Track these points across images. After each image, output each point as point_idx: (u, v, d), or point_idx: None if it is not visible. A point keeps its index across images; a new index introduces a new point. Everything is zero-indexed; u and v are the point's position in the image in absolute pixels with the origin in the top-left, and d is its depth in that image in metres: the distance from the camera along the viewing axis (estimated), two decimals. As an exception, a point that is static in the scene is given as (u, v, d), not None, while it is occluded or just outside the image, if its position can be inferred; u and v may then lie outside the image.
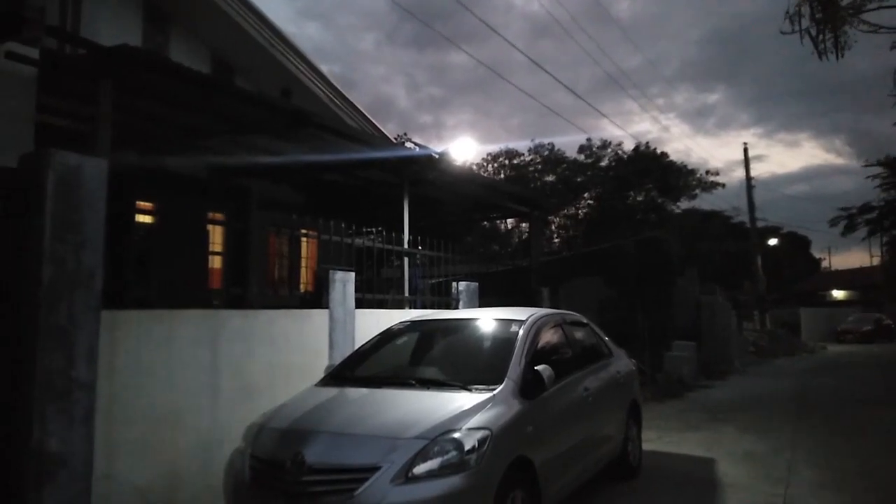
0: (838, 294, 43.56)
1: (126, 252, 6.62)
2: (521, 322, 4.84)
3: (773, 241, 35.71)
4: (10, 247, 3.73)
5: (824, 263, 52.14)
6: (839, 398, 11.68)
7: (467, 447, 3.43)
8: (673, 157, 33.14)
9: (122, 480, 4.08)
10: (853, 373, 16.73)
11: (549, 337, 5.06)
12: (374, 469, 3.31)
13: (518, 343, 4.52)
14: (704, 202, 33.57)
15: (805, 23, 5.83)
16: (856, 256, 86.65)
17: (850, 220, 15.50)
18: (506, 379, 4.11)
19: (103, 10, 7.72)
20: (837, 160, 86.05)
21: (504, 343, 4.61)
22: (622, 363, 6.27)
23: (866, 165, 15.14)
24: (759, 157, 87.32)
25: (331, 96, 10.59)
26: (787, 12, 5.90)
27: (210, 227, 8.39)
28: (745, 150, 31.05)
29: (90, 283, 3.85)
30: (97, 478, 3.74)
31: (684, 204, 33.54)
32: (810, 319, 32.72)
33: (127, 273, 6.56)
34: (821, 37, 5.80)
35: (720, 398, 11.73)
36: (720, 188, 33.22)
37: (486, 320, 5.20)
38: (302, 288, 9.54)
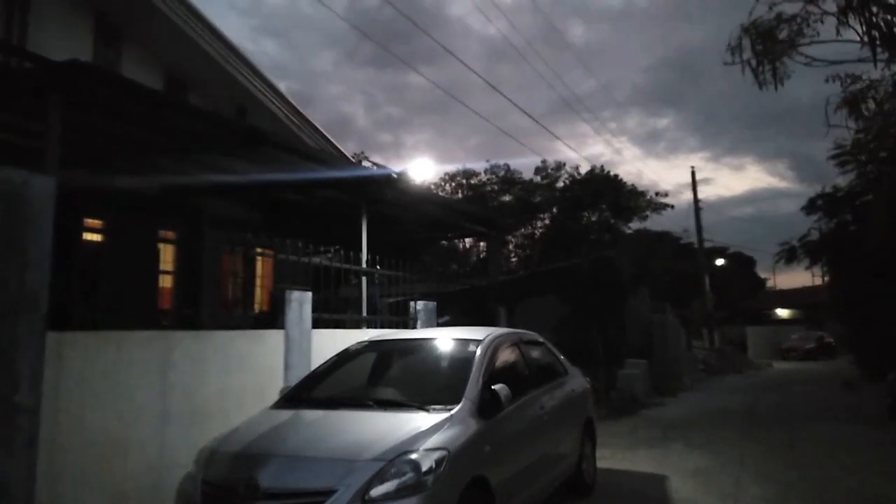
0: (782, 312, 45.22)
1: (73, 271, 6.40)
2: (478, 342, 4.87)
3: (720, 262, 36.93)
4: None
5: (769, 283, 54.12)
6: (783, 414, 12.10)
7: (424, 468, 3.43)
8: (625, 178, 34.04)
9: (65, 510, 3.91)
10: (796, 389, 17.36)
11: (506, 356, 5.11)
12: (329, 492, 3.27)
13: (475, 363, 4.55)
14: (655, 223, 34.56)
15: (746, 54, 6.19)
16: (799, 276, 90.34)
17: (791, 253, 16.32)
18: (463, 399, 4.13)
19: (51, 24, 7.53)
20: (781, 184, 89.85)
21: (461, 363, 4.63)
22: (577, 381, 6.37)
23: (805, 207, 15.99)
24: (706, 181, 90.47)
25: (288, 114, 10.53)
26: (729, 44, 6.24)
27: (161, 245, 8.18)
28: (693, 174, 32.23)
29: (35, 305, 3.73)
30: (39, 507, 3.59)
31: (636, 224, 34.45)
32: (756, 337, 33.85)
33: (74, 293, 6.33)
34: (760, 68, 6.15)
35: (672, 415, 11.99)
36: (669, 209, 34.29)
37: (444, 340, 5.22)
38: (257, 308, 9.38)
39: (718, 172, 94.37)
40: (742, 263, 45.37)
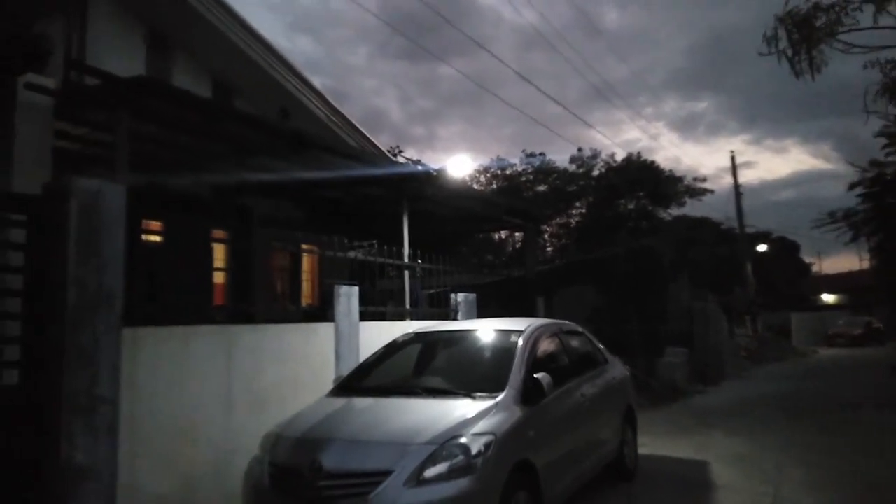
0: (828, 298, 44.06)
1: (136, 271, 6.79)
2: (519, 332, 5.07)
3: (762, 247, 36.14)
4: (34, 272, 3.91)
5: (814, 268, 52.68)
6: (828, 401, 11.96)
7: (474, 451, 3.66)
8: (664, 164, 33.58)
9: (145, 490, 4.27)
10: (843, 376, 17.04)
11: (546, 346, 5.30)
12: (387, 473, 3.53)
13: (518, 352, 4.75)
14: (694, 209, 34.02)
15: (782, 44, 6.17)
16: (846, 260, 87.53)
17: (831, 217, 15.85)
18: (507, 387, 4.34)
19: (108, 39, 7.95)
20: (825, 165, 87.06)
21: (504, 352, 4.84)
22: (617, 370, 6.52)
23: (852, 184, 15.46)
24: (747, 164, 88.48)
25: (328, 114, 10.83)
26: (765, 35, 6.23)
27: (214, 244, 8.57)
28: (733, 158, 31.58)
29: (111, 304, 4.06)
30: (121, 488, 3.94)
31: (674, 211, 33.96)
32: (801, 324, 33.10)
33: (136, 291, 6.74)
34: (797, 57, 6.13)
35: (713, 403, 11.99)
36: (709, 194, 33.69)
37: (486, 331, 5.43)
38: (305, 302, 9.74)
39: (760, 155, 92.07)
40: (786, 248, 44.28)
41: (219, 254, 8.79)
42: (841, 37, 6.47)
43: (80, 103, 5.31)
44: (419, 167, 8.31)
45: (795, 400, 12.28)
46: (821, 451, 7.37)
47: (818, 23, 6.15)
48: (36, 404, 3.78)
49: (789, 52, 6.14)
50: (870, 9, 5.94)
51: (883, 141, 10.57)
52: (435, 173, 8.34)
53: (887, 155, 12.61)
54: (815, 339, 31.64)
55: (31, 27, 7.90)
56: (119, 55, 7.97)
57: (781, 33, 6.12)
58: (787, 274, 42.49)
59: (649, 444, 7.79)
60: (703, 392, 13.74)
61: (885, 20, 5.88)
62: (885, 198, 14.42)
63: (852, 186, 15.15)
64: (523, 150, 35.48)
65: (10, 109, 4.84)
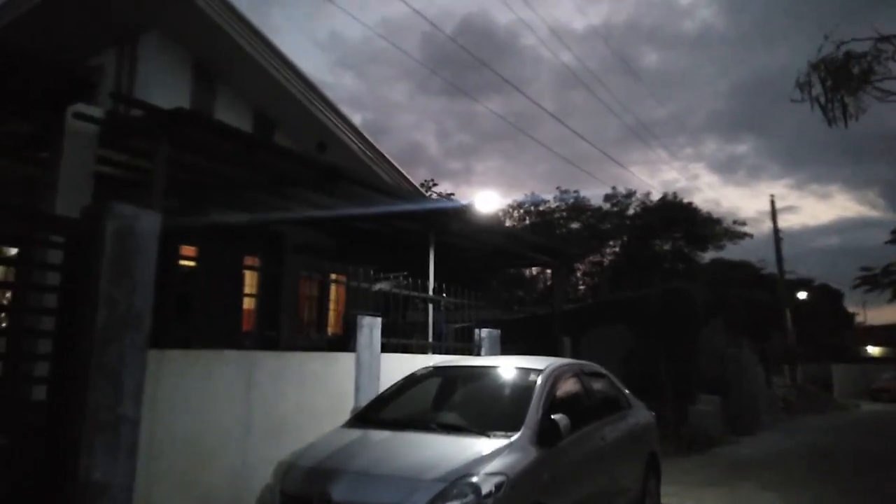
0: (873, 350, 42.33)
1: (168, 294, 7.01)
2: (539, 371, 5.02)
3: (802, 295, 35.09)
4: (68, 291, 4.07)
5: (859, 318, 50.75)
6: (867, 458, 11.41)
7: (484, 491, 3.61)
8: (703, 206, 33.19)
9: (159, 511, 4.32)
10: (884, 432, 16.27)
11: (566, 386, 5.22)
12: (395, 509, 3.50)
13: (536, 392, 4.69)
14: (732, 253, 33.42)
15: (816, 90, 6.13)
16: (893, 311, 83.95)
17: (872, 280, 15.38)
18: (523, 427, 4.28)
19: (156, 70, 8.36)
20: (871, 213, 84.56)
21: (522, 391, 4.79)
22: (641, 415, 6.36)
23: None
24: (789, 209, 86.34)
25: (364, 148, 11.09)
26: (797, 81, 6.20)
27: (246, 271, 8.80)
28: (773, 202, 30.88)
29: (139, 325, 4.18)
30: (136, 507, 3.99)
31: (712, 254, 33.41)
32: (843, 375, 31.81)
33: (168, 314, 6.93)
34: (829, 105, 6.06)
35: (746, 454, 11.55)
36: (748, 238, 33.10)
37: (506, 368, 5.39)
38: (330, 331, 9.84)
39: (803, 200, 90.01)
40: (828, 297, 42.89)
41: (250, 280, 9.01)
42: (880, 84, 6.39)
43: (124, 133, 5.57)
44: (446, 202, 8.38)
45: (832, 456, 11.75)
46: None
47: (854, 70, 6.10)
48: (60, 420, 3.88)
49: (822, 99, 6.10)
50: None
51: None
52: (462, 208, 8.42)
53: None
54: (858, 392, 30.35)
55: (86, 60, 8.38)
56: (166, 87, 8.37)
57: (815, 80, 6.09)
58: (829, 323, 41.06)
59: (675, 495, 7.53)
60: (736, 442, 13.26)
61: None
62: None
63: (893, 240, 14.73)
64: (557, 187, 35.61)
65: (59, 137, 5.12)
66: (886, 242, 15.20)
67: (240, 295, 8.33)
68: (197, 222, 7.15)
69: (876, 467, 10.26)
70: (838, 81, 6.03)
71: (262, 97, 10.04)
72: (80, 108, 5.23)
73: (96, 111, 5.35)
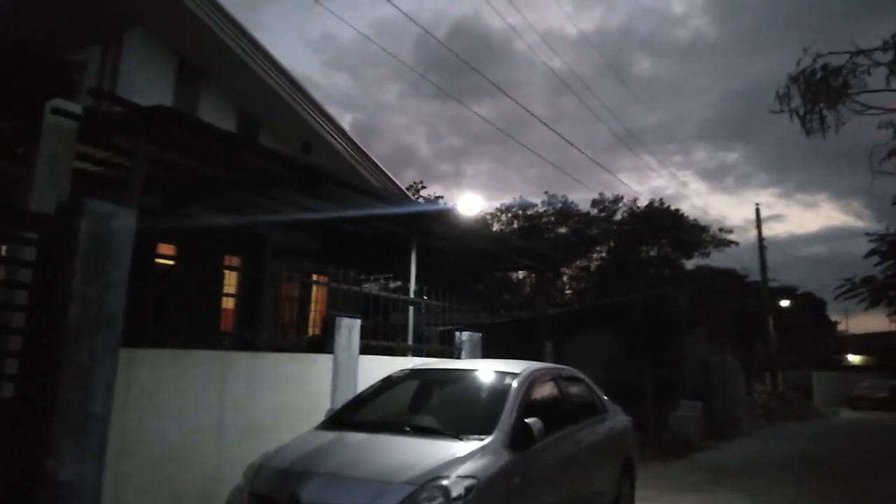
0: (854, 358, 42.79)
1: (144, 292, 6.95)
2: (515, 375, 5.03)
3: (785, 303, 35.43)
4: (40, 289, 4.03)
5: (841, 327, 51.34)
6: (844, 465, 11.54)
7: (454, 494, 3.61)
8: (692, 214, 33.50)
9: (128, 512, 4.28)
10: (862, 440, 16.46)
11: (542, 391, 5.24)
12: (364, 511, 3.50)
13: (511, 395, 4.71)
14: (718, 260, 33.67)
15: (795, 102, 6.22)
16: (874, 320, 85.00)
17: (852, 290, 15.60)
18: (496, 430, 4.30)
19: (140, 67, 8.31)
20: (856, 222, 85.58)
21: (497, 395, 4.80)
22: (617, 419, 6.39)
23: (868, 238, 15.34)
24: (776, 217, 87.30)
25: (349, 150, 11.08)
26: (777, 93, 6.28)
27: (226, 271, 8.75)
28: (757, 210, 31.22)
29: (112, 324, 4.14)
30: (105, 508, 3.95)
31: (697, 261, 33.65)
32: (823, 383, 32.13)
33: (144, 312, 6.88)
34: (808, 116, 6.15)
35: (724, 460, 11.64)
36: (734, 246, 33.36)
37: (483, 371, 5.39)
38: (311, 332, 9.81)
39: (790, 209, 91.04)
40: (812, 305, 43.40)
41: (230, 280, 8.96)
42: (859, 97, 6.49)
43: (104, 129, 5.53)
44: (429, 205, 8.40)
45: (809, 462, 11.87)
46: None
47: (835, 84, 6.18)
48: (28, 419, 3.84)
49: (801, 111, 6.18)
50: (878, 72, 5.98)
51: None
52: (445, 211, 8.43)
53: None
54: (838, 399, 30.69)
55: (69, 55, 8.31)
56: (149, 84, 8.32)
57: (794, 92, 6.18)
58: (811, 331, 41.52)
59: (651, 500, 7.58)
60: (716, 448, 13.35)
61: (896, 83, 5.90)
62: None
63: (869, 255, 15.02)
64: (545, 191, 35.72)
65: (36, 132, 5.07)
66: (866, 256, 15.47)
67: (219, 295, 8.27)
68: (175, 221, 7.10)
69: (851, 474, 10.38)
70: (817, 94, 6.12)
71: (247, 96, 10.01)
72: (59, 103, 5.18)
73: (76, 107, 5.30)
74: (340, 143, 10.94)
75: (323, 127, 10.67)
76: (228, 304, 8.86)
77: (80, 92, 6.18)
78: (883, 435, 17.68)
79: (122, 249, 4.25)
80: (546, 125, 40.91)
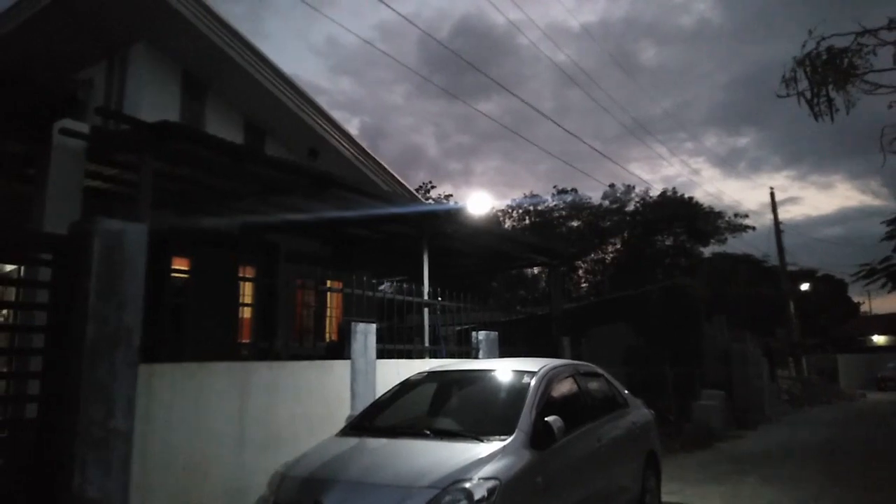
0: (879, 339, 42.16)
1: (161, 306, 7.01)
2: (532, 373, 4.99)
3: (805, 286, 34.99)
4: (57, 309, 4.07)
5: (863, 307, 50.57)
6: (871, 450, 11.35)
7: (477, 496, 3.59)
8: (705, 201, 33.15)
9: (154, 526, 4.31)
10: (889, 423, 16.20)
11: (561, 388, 5.20)
12: (388, 517, 3.49)
13: (529, 394, 4.67)
14: (735, 247, 33.32)
15: (803, 85, 6.10)
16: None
17: (871, 274, 15.29)
18: (516, 430, 4.26)
19: (146, 81, 8.37)
20: (874, 202, 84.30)
21: (516, 394, 4.76)
22: (639, 413, 6.33)
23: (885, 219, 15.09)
24: (792, 200, 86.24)
25: (356, 154, 11.09)
26: (784, 76, 6.17)
27: (241, 281, 8.80)
28: (772, 194, 30.90)
29: (129, 340, 4.17)
30: (130, 524, 3.98)
31: (714, 248, 33.33)
32: (848, 366, 31.73)
33: (162, 326, 6.93)
34: (815, 99, 6.04)
35: (749, 449, 11.51)
36: (750, 231, 33.02)
37: (501, 371, 5.36)
38: (328, 338, 9.83)
39: (805, 192, 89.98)
40: (833, 287, 42.79)
41: (246, 290, 9.01)
42: (867, 77, 6.36)
43: (112, 147, 5.57)
44: (438, 205, 8.39)
45: (836, 448, 11.70)
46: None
47: (843, 65, 6.06)
48: (52, 437, 3.88)
49: (808, 95, 6.06)
50: (885, 51, 5.86)
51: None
52: (454, 211, 8.41)
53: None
54: (864, 382, 30.27)
55: (75, 73, 8.39)
56: (155, 98, 8.38)
57: (801, 76, 6.07)
58: (834, 314, 40.98)
59: (677, 492, 7.50)
60: (740, 437, 13.21)
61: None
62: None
63: (887, 238, 14.73)
64: (555, 187, 35.56)
65: (46, 153, 5.12)
66: (882, 240, 15.15)
67: (235, 305, 8.32)
68: (188, 234, 7.15)
69: (879, 460, 10.21)
70: (824, 77, 6.00)
71: (252, 106, 10.05)
72: (67, 123, 5.23)
73: (83, 126, 5.35)
74: (347, 148, 10.96)
75: (329, 132, 10.69)
76: (245, 314, 8.91)
77: (88, 110, 6.24)
78: (911, 416, 17.39)
79: (135, 265, 4.27)
80: (553, 121, 40.78)
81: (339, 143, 10.79)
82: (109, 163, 6.00)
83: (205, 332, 7.20)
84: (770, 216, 30.66)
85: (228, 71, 9.28)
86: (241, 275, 8.67)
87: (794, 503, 7.00)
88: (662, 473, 6.52)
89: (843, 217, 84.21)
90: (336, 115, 11.03)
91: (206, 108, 9.38)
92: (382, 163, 11.47)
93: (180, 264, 7.97)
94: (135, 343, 4.19)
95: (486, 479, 3.72)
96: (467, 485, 3.65)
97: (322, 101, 10.75)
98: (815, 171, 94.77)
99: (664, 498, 6.47)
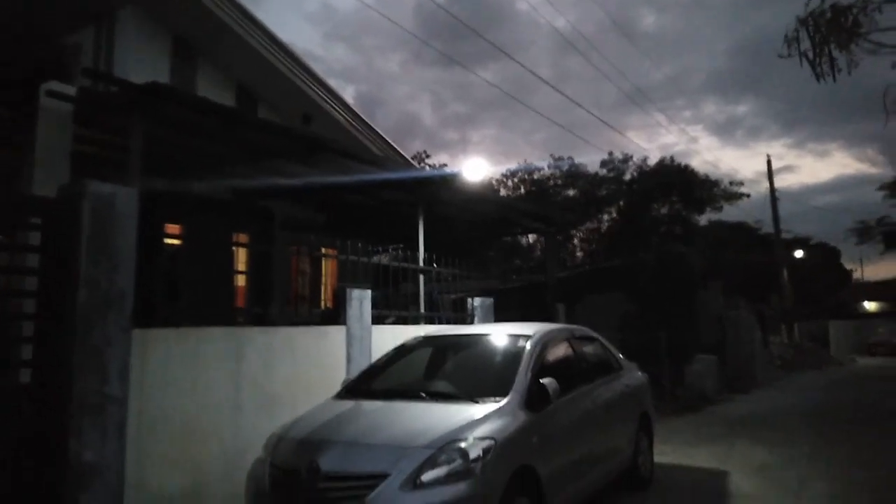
0: (870, 306, 42.62)
1: (155, 272, 6.97)
2: (528, 337, 5.02)
3: (799, 253, 35.17)
4: (49, 273, 4.03)
5: (856, 275, 50.96)
6: (860, 412, 11.56)
7: (472, 456, 3.62)
8: (702, 169, 33.07)
9: (152, 489, 4.35)
10: (878, 386, 16.45)
11: (556, 351, 5.23)
12: (383, 476, 3.52)
13: (525, 357, 4.70)
14: (730, 214, 33.35)
15: (804, 45, 6.00)
16: (890, 267, 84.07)
17: (865, 232, 15.40)
18: (511, 391, 4.30)
19: (135, 46, 8.19)
20: (870, 170, 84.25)
21: (511, 357, 4.79)
22: (633, 376, 6.39)
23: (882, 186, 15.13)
24: (788, 168, 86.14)
25: (351, 121, 10.95)
26: (786, 36, 6.05)
27: (235, 248, 8.75)
28: (769, 161, 30.81)
29: (122, 305, 4.13)
30: (129, 487, 4.00)
31: (711, 216, 33.36)
32: (839, 332, 32.09)
33: (157, 293, 6.90)
34: (818, 59, 5.94)
35: (740, 412, 11.68)
36: (745, 199, 33.00)
37: (496, 335, 5.39)
38: (323, 305, 9.84)
39: (802, 160, 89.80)
40: (826, 255, 42.99)
41: (241, 256, 8.97)
42: (871, 37, 6.26)
43: (100, 110, 5.46)
44: (433, 171, 8.31)
45: (826, 410, 11.89)
46: (849, 462, 7.10)
47: (846, 23, 5.95)
48: (47, 402, 3.87)
49: (810, 55, 5.97)
50: (890, 10, 5.76)
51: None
52: (450, 177, 8.34)
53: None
54: (855, 347, 30.70)
55: (63, 38, 8.19)
56: (145, 63, 8.21)
57: (803, 36, 5.97)
58: (826, 281, 41.22)
59: (670, 453, 7.62)
60: (732, 401, 13.41)
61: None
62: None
63: (882, 188, 14.71)
64: (551, 155, 35.31)
65: (32, 116, 5.02)
66: (884, 197, 15.16)
67: (230, 272, 8.28)
68: (181, 200, 7.07)
69: (868, 422, 10.38)
70: (827, 35, 5.90)
71: (244, 71, 9.87)
72: (54, 86, 5.12)
73: (70, 89, 5.23)
74: (342, 114, 10.81)
75: (323, 98, 10.54)
76: (240, 280, 8.88)
77: (75, 75, 6.09)
78: (899, 380, 17.66)
79: (126, 229, 4.22)
80: (551, 86, 40.42)
81: (334, 108, 10.65)
82: (99, 127, 5.89)
83: (199, 298, 7.18)
84: (766, 185, 30.65)
85: (219, 35, 9.08)
86: (235, 241, 8.61)
87: (784, 462, 7.12)
88: (655, 435, 6.62)
89: (839, 185, 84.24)
90: (330, 82, 10.84)
91: (197, 74, 9.21)
92: (377, 129, 11.34)
93: (173, 230, 7.90)
94: (128, 308, 4.16)
95: (482, 438, 3.76)
96: (463, 444, 3.68)
97: (316, 69, 10.56)
98: (813, 138, 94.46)
99: (656, 458, 6.57)
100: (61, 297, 3.96)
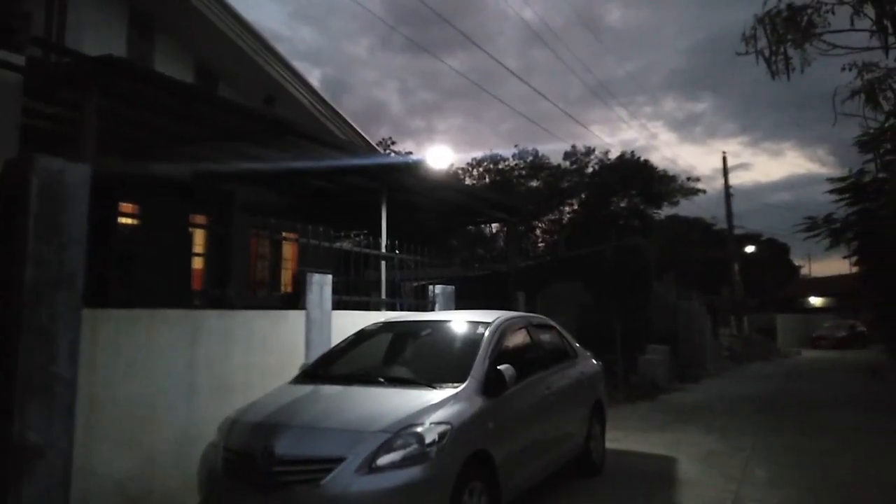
0: (816, 301, 44.37)
1: (110, 252, 6.78)
2: (487, 324, 5.08)
3: (750, 248, 36.35)
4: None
5: (803, 270, 52.99)
6: (804, 401, 12.07)
7: (428, 440, 3.66)
8: (661, 164, 33.83)
9: (101, 473, 4.25)
10: (822, 377, 17.21)
11: (514, 338, 5.30)
12: (339, 460, 3.53)
13: (483, 344, 4.75)
14: (687, 209, 34.22)
15: (761, 44, 6.19)
16: (835, 263, 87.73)
17: (813, 227, 16.06)
18: (469, 377, 4.34)
19: (89, 17, 7.89)
20: (821, 170, 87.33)
21: (470, 344, 4.84)
22: (587, 364, 6.53)
23: (830, 184, 15.80)
24: (743, 166, 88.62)
25: (315, 104, 10.79)
26: (744, 34, 6.23)
27: (193, 229, 8.57)
28: (724, 159, 31.66)
29: (72, 284, 4.02)
30: (76, 470, 3.91)
31: (667, 211, 34.15)
32: (786, 325, 33.35)
33: (110, 273, 6.72)
34: (773, 58, 6.14)
35: (690, 401, 12.07)
36: (701, 194, 33.88)
37: (456, 322, 5.43)
38: (283, 289, 9.73)
39: (757, 158, 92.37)
40: (776, 251, 44.51)
41: (199, 239, 8.79)
42: (823, 37, 6.49)
43: (52, 82, 5.26)
44: (398, 157, 8.28)
45: (772, 399, 12.39)
46: (789, 450, 7.43)
47: (802, 23, 6.16)
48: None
49: (766, 53, 6.16)
50: (842, 11, 5.98)
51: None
52: (414, 164, 8.32)
53: (865, 163, 12.81)
54: (800, 340, 31.94)
55: (11, 4, 7.83)
56: (100, 36, 7.92)
57: (760, 34, 6.15)
58: (775, 276, 42.71)
59: (622, 440, 7.83)
60: (682, 390, 13.83)
61: (861, 23, 5.91)
62: (862, 203, 14.64)
63: (832, 192, 15.45)
64: (516, 145, 35.52)
65: (-23, 85, 4.79)
66: (825, 191, 16.02)
67: (187, 254, 8.11)
68: (137, 180, 6.88)
69: (811, 409, 10.86)
70: (784, 34, 6.09)
71: (205, 49, 9.61)
72: (1, 54, 4.88)
73: (19, 58, 5.01)
74: (306, 97, 10.64)
75: (287, 80, 10.35)
76: (198, 263, 8.71)
77: (25, 46, 5.82)
78: (840, 372, 18.48)
79: (77, 206, 4.09)
80: (517, 77, 40.64)
81: (298, 91, 10.47)
82: (51, 101, 5.67)
83: (155, 279, 7.02)
84: (721, 181, 31.48)
85: (180, 10, 8.81)
86: (193, 223, 8.42)
87: (731, 450, 7.41)
88: (607, 422, 6.79)
89: (790, 184, 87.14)
90: (295, 64, 10.65)
91: (155, 49, 8.92)
92: (342, 114, 11.21)
93: (129, 210, 7.69)
94: (78, 287, 4.05)
95: (438, 423, 3.79)
96: (419, 429, 3.71)
97: (281, 50, 10.36)
98: (768, 138, 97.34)
99: (608, 444, 6.75)
100: (8, 274, 3.83)
